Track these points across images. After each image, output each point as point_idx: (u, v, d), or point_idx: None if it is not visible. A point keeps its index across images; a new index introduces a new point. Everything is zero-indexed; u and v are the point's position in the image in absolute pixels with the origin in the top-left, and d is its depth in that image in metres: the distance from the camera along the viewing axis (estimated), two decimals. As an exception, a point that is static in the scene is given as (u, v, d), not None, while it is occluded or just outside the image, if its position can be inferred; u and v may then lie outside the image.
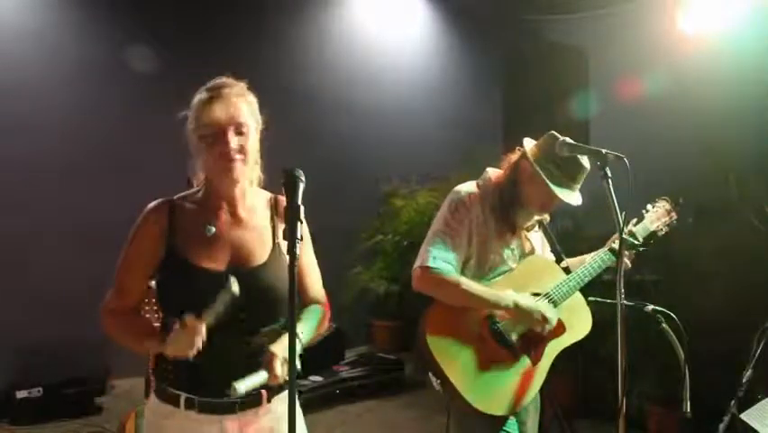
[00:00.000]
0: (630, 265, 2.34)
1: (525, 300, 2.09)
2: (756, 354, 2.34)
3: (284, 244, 1.61)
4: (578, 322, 2.23)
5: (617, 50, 5.34)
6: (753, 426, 2.23)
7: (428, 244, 2.11)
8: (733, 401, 2.29)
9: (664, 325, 1.87)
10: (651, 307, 1.93)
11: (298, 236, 1.29)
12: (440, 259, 2.06)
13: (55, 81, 4.74)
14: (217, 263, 1.56)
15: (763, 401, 2.33)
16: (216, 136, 1.52)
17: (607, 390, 1.88)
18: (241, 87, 1.58)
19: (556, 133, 2.12)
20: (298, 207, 1.33)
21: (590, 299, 2.17)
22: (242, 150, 1.53)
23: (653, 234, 2.38)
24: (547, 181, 2.08)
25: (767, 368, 2.38)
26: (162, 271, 1.59)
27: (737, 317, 3.20)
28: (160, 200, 1.64)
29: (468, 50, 6.76)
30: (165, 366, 1.57)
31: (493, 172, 2.25)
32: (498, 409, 2.05)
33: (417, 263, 2.10)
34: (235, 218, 1.62)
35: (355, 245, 5.77)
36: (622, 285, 1.80)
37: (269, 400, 1.60)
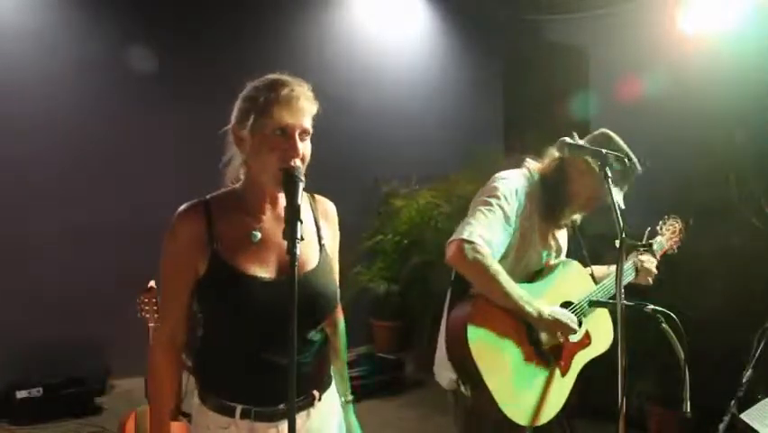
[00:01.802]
0: (651, 282, 2.34)
1: (554, 312, 1.99)
2: (756, 354, 2.34)
3: (329, 246, 1.61)
4: (601, 334, 2.19)
5: (617, 50, 5.34)
6: (753, 426, 2.23)
7: (473, 218, 1.95)
8: (733, 401, 2.28)
9: (664, 325, 1.87)
10: (651, 307, 1.92)
11: (298, 237, 1.28)
12: (484, 239, 1.91)
13: (55, 81, 4.74)
14: (268, 271, 1.49)
15: (763, 401, 2.33)
16: (283, 138, 1.43)
17: (607, 390, 1.88)
18: (308, 89, 1.49)
19: (608, 131, 2.10)
20: (298, 206, 1.32)
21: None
22: (303, 156, 1.45)
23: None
24: (606, 182, 1.91)
25: (767, 368, 2.38)
26: (207, 278, 1.48)
27: (737, 317, 3.20)
28: (192, 202, 1.52)
29: (468, 50, 6.76)
30: (215, 377, 1.55)
31: (534, 164, 2.16)
32: (523, 418, 1.93)
33: (456, 235, 1.93)
34: (280, 221, 1.50)
35: (355, 245, 5.76)
36: (622, 285, 1.79)
37: (319, 399, 1.60)
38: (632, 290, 2.04)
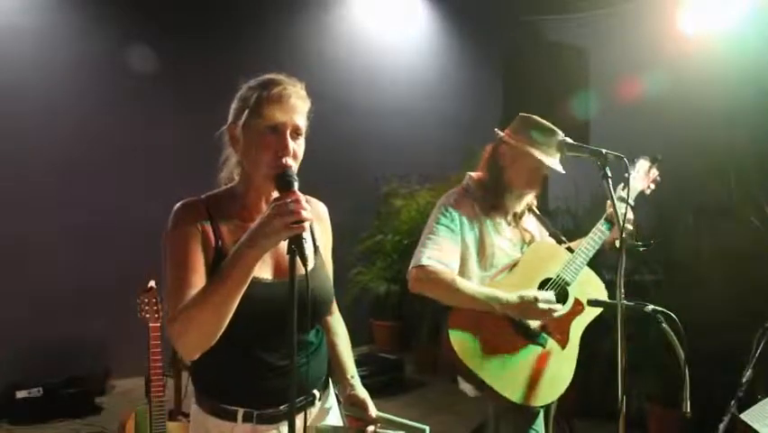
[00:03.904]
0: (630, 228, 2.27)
1: (511, 297, 2.05)
2: (756, 354, 2.34)
3: (322, 248, 1.62)
4: (593, 294, 2.21)
5: (617, 50, 5.34)
6: (753, 426, 2.22)
7: (421, 246, 2.15)
8: (733, 401, 2.28)
9: (664, 325, 1.87)
10: (651, 307, 1.92)
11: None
12: (433, 259, 2.09)
13: (55, 81, 4.74)
14: (266, 272, 1.49)
15: (763, 401, 2.32)
16: (275, 136, 1.42)
17: (607, 390, 1.88)
18: (301, 88, 1.49)
19: (526, 114, 2.21)
20: None
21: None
22: (295, 154, 1.44)
23: (641, 194, 2.39)
24: (529, 149, 2.12)
25: (767, 368, 2.38)
26: (208, 276, 1.44)
27: (737, 317, 3.20)
28: (190, 199, 1.50)
29: (468, 50, 6.76)
30: (214, 380, 1.53)
31: (473, 174, 2.30)
32: (531, 398, 2.03)
33: (411, 264, 2.13)
34: None
35: (355, 245, 5.77)
36: (622, 285, 1.80)
37: (319, 399, 1.61)
38: (632, 291, 2.05)
